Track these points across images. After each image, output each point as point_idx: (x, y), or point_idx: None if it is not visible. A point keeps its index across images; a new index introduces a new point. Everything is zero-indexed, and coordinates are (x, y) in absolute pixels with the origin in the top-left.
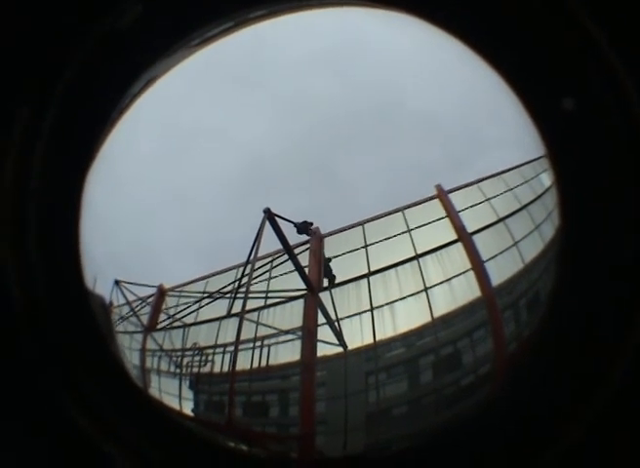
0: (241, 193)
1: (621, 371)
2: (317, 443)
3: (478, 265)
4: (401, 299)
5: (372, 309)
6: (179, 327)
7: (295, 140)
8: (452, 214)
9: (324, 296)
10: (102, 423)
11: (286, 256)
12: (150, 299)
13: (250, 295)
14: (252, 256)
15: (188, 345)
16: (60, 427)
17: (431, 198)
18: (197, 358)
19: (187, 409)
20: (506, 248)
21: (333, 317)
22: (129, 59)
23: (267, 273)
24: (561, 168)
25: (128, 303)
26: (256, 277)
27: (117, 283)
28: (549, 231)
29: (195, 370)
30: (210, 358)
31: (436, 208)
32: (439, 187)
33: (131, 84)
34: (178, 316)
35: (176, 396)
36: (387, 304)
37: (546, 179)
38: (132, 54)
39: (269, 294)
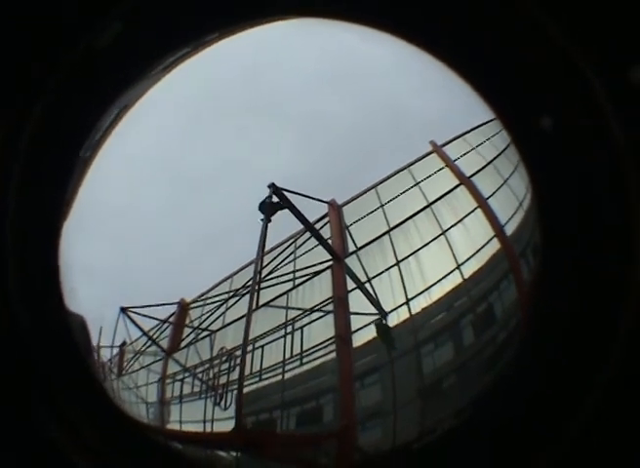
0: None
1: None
2: (363, 438)
3: (483, 203)
4: (424, 247)
5: (398, 263)
6: (205, 337)
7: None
8: (450, 164)
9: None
10: (79, 439)
11: (307, 235)
12: (171, 319)
13: (276, 280)
14: (263, 236)
15: (217, 353)
16: (35, 443)
17: (429, 153)
18: (225, 364)
19: (223, 427)
20: (500, 185)
21: (364, 286)
22: (106, 81)
23: (292, 255)
24: (538, 182)
25: (143, 332)
26: (281, 261)
27: (123, 311)
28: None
29: (224, 380)
30: (239, 361)
31: (435, 162)
32: (433, 142)
33: (106, 109)
34: (203, 326)
35: (202, 421)
36: (412, 255)
37: None
38: (108, 75)
39: (296, 274)
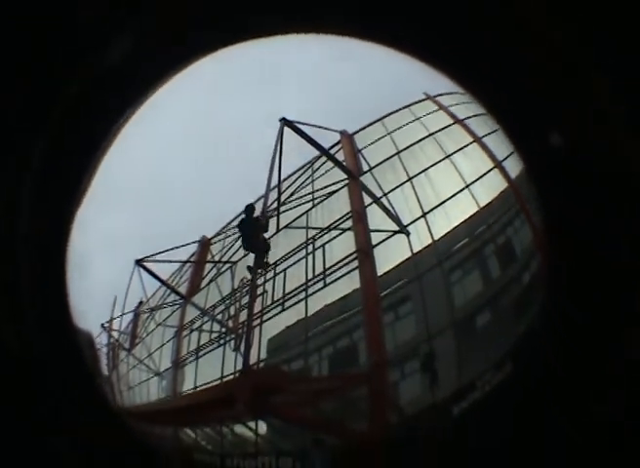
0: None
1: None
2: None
3: (478, 139)
4: (434, 165)
5: (410, 179)
6: (226, 270)
7: None
8: (443, 108)
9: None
10: (87, 456)
11: (322, 161)
12: (191, 260)
13: (296, 203)
14: (276, 165)
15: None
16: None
17: (425, 99)
18: (246, 298)
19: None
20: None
21: (381, 202)
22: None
23: (310, 178)
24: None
25: (160, 281)
26: (298, 185)
27: (138, 263)
28: None
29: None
30: (260, 291)
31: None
32: (426, 93)
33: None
34: (224, 259)
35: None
36: (424, 172)
37: None
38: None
39: (314, 194)
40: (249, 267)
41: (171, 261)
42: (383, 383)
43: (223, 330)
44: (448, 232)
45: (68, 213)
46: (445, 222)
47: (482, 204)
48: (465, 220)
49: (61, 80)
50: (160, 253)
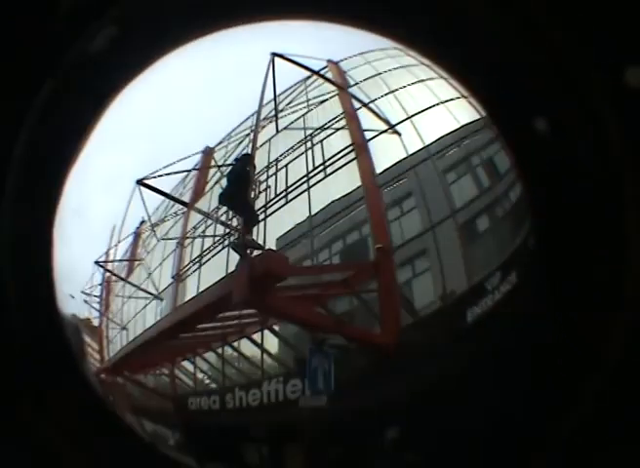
0: None
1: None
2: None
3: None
4: (414, 84)
5: (394, 91)
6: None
7: None
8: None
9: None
10: (73, 441)
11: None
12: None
13: (291, 110)
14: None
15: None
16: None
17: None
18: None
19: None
20: None
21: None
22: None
23: (304, 91)
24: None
25: (163, 194)
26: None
27: (139, 182)
28: None
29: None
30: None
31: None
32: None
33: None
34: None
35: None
36: (405, 87)
37: None
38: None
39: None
40: (234, 244)
41: (173, 173)
42: (391, 273)
43: (227, 230)
44: (436, 140)
45: (51, 208)
46: (431, 132)
47: (463, 122)
48: (451, 132)
49: (43, 76)
50: (162, 168)
